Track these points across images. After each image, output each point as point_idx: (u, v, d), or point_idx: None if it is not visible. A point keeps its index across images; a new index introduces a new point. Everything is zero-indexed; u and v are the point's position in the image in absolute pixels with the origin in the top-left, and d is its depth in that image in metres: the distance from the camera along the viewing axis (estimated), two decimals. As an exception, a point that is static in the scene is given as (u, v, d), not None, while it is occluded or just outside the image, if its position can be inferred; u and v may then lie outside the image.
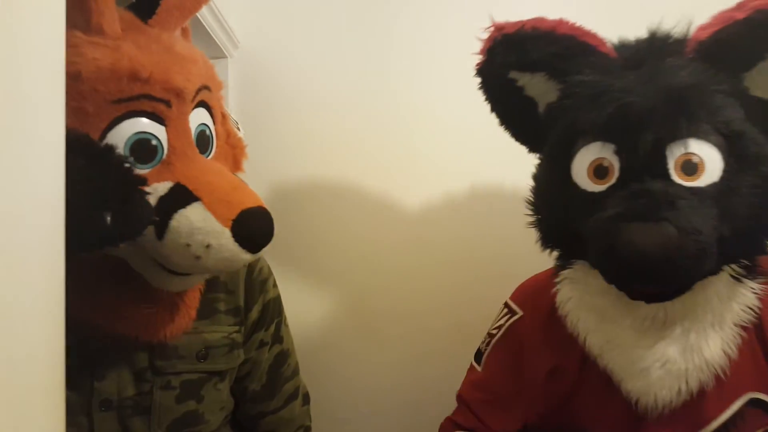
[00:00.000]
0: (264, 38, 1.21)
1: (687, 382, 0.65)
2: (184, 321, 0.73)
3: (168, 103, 0.63)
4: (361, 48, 1.21)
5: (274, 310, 0.88)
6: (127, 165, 0.57)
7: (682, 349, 0.65)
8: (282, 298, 0.92)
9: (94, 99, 0.58)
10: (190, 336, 0.76)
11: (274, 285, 0.90)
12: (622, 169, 0.65)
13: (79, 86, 0.57)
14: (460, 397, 0.88)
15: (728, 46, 0.63)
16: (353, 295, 1.23)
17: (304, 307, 1.21)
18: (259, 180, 1.17)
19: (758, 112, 0.64)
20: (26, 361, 0.45)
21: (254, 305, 0.84)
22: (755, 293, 0.67)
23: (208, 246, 0.59)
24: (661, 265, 0.58)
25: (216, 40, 1.08)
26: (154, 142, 0.62)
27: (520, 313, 0.83)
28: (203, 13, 1.00)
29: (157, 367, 0.74)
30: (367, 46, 1.21)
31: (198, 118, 0.68)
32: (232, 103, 1.17)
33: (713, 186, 0.62)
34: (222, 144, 0.74)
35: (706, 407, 0.68)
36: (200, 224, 0.60)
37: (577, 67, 0.68)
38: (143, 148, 0.62)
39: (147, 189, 0.60)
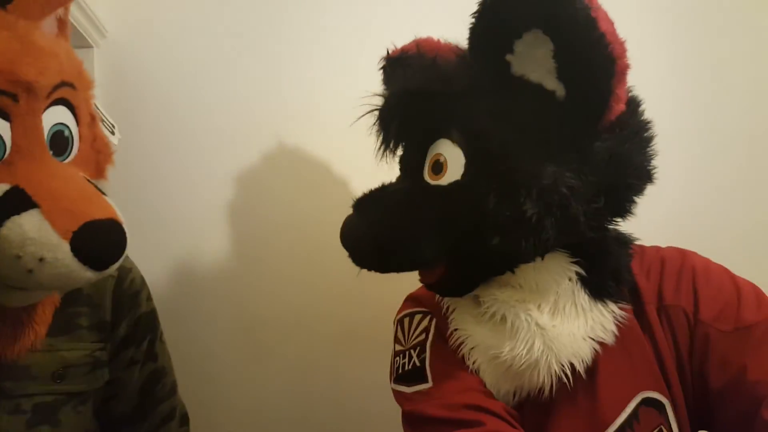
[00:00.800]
0: (135, 26, 1.12)
1: (549, 376, 0.65)
2: (29, 339, 0.65)
3: (14, 97, 0.56)
4: (241, 36, 1.16)
5: (147, 326, 0.83)
6: None
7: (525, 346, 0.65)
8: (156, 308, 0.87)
9: None
10: (46, 354, 0.70)
11: (149, 298, 0.85)
12: None
13: None
14: (426, 423, 0.69)
15: (484, 31, 0.64)
16: (233, 301, 1.17)
17: (179, 317, 1.14)
18: (129, 180, 1.10)
19: (530, 96, 0.63)
20: None
21: (123, 320, 0.79)
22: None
23: (41, 259, 0.53)
24: (352, 251, 0.71)
25: (77, 27, 0.99)
26: None
27: (431, 313, 0.77)
28: (64, -4, 0.91)
29: (3, 390, 0.67)
30: (247, 35, 1.16)
31: (54, 116, 0.62)
32: (99, 97, 1.08)
33: (454, 184, 0.64)
34: (86, 148, 0.68)
35: (602, 410, 0.67)
36: (34, 234, 0.53)
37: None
38: None
39: None
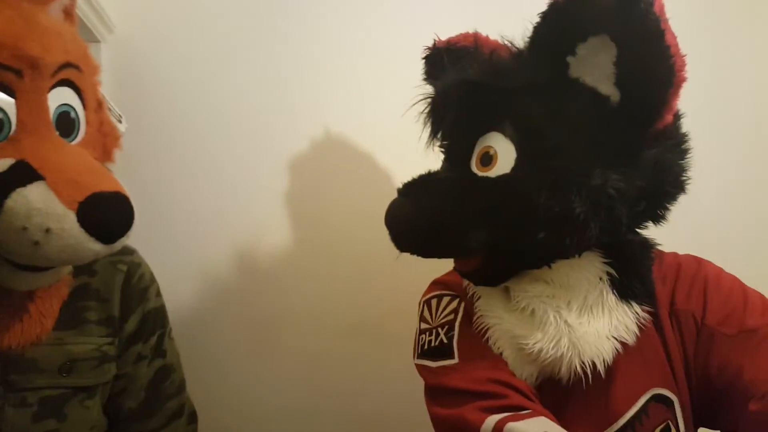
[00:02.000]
0: (141, 22, 1.12)
1: (562, 368, 0.67)
2: (35, 330, 0.64)
3: (19, 73, 0.55)
4: (245, 32, 1.16)
5: (155, 321, 0.82)
6: None
7: (551, 338, 0.67)
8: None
9: None
10: (53, 348, 0.69)
11: (158, 294, 0.84)
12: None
13: None
14: (449, 394, 0.71)
15: (550, 30, 0.65)
16: (241, 298, 1.16)
17: (186, 314, 1.13)
18: (135, 172, 1.08)
19: (584, 99, 0.64)
20: None
21: (131, 315, 0.79)
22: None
23: (47, 230, 0.52)
24: (396, 232, 0.72)
25: (86, 21, 0.98)
26: None
27: (459, 297, 0.80)
28: (71, -9, 0.90)
29: (9, 382, 0.66)
30: (252, 31, 1.16)
31: (60, 97, 0.61)
32: (105, 91, 1.07)
33: (504, 177, 0.66)
34: (93, 131, 0.67)
35: (614, 404, 0.70)
36: (39, 205, 0.52)
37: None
38: None
39: None
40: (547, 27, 0.65)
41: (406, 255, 0.74)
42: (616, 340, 0.68)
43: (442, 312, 0.79)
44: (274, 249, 1.17)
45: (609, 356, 0.67)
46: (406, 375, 1.10)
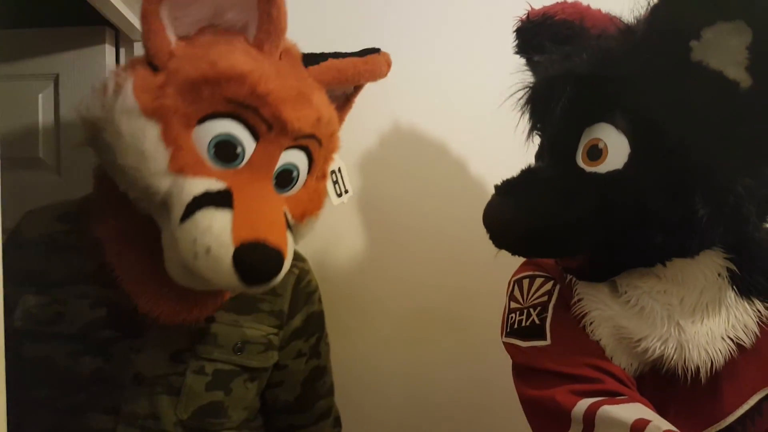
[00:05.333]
0: None
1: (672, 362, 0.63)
2: (212, 306, 0.74)
3: (270, 127, 0.67)
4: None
5: (317, 324, 0.90)
6: None
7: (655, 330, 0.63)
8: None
9: (214, 90, 0.64)
10: (231, 328, 0.78)
11: (320, 300, 0.91)
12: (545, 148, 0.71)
13: (210, 73, 0.64)
14: (540, 375, 0.68)
15: (674, 13, 0.59)
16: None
17: None
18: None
19: (707, 84, 0.58)
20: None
21: (298, 313, 0.86)
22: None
23: (208, 250, 0.59)
24: (497, 233, 0.68)
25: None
26: (239, 149, 0.67)
27: (554, 279, 0.75)
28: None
29: (195, 351, 0.75)
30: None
31: (291, 157, 0.71)
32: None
33: (615, 174, 0.61)
34: (304, 194, 0.76)
35: (723, 401, 0.66)
36: (216, 227, 0.60)
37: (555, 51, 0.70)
38: (228, 148, 0.66)
39: (202, 179, 0.63)
40: (669, 9, 0.59)
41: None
42: (732, 340, 0.63)
43: (534, 293, 0.76)
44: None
45: (720, 360, 0.62)
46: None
